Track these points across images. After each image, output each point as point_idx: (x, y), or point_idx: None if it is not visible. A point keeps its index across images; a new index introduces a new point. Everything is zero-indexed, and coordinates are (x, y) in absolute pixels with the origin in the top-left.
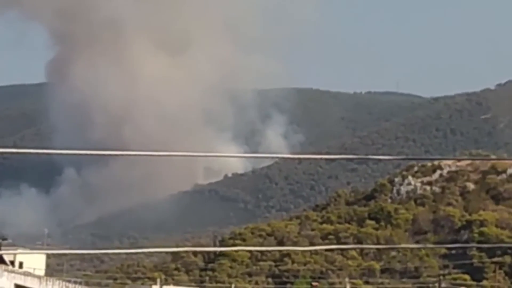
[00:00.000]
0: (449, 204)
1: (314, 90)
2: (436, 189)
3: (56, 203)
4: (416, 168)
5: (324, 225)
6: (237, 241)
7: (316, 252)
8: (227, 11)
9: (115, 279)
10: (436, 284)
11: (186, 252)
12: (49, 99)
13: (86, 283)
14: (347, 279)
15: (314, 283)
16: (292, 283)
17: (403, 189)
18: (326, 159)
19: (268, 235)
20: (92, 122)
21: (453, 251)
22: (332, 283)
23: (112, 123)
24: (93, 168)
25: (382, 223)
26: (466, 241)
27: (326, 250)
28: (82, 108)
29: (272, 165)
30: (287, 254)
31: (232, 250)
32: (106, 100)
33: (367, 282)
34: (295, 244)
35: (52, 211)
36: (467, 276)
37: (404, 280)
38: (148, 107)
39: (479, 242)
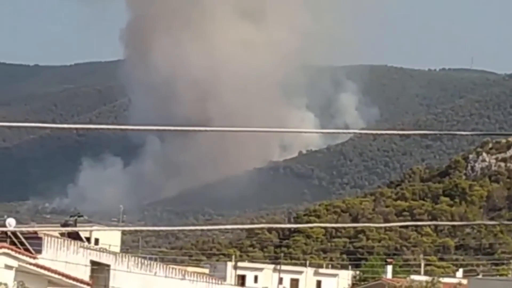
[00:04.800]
0: None
1: (388, 67)
2: (511, 165)
3: (137, 177)
4: (490, 145)
5: (399, 202)
6: (312, 218)
7: (390, 229)
8: None
9: (190, 255)
10: (511, 261)
11: (261, 229)
12: (125, 76)
13: (162, 260)
14: (421, 256)
15: (389, 260)
16: (366, 259)
17: (478, 166)
18: (401, 135)
19: (343, 211)
20: (173, 97)
21: None
22: (407, 260)
23: (194, 98)
24: (176, 143)
25: (457, 200)
26: None
27: (401, 226)
28: (161, 84)
29: (346, 142)
30: (362, 231)
31: (307, 227)
32: (185, 73)
33: (441, 259)
34: (369, 220)
35: (132, 185)
36: None
37: (478, 256)
38: (229, 79)
39: None
